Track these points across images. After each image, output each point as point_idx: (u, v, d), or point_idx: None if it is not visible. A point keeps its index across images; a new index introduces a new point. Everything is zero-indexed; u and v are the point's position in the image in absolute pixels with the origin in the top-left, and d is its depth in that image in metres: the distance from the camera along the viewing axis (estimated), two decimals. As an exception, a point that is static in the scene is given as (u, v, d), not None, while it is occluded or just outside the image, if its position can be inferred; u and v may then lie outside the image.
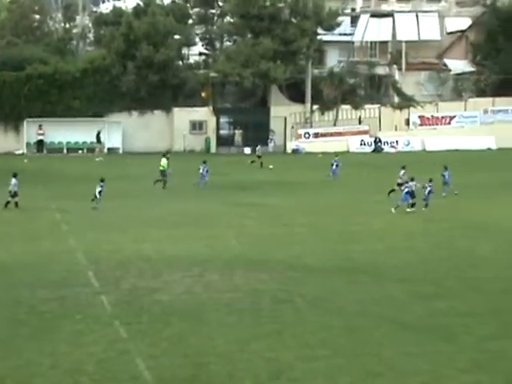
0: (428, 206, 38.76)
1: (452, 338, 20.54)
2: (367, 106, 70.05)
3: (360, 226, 36.10)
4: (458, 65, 73.61)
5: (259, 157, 57.12)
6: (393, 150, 66.80)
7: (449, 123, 70.16)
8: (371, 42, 76.20)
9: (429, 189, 38.86)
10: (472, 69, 73.04)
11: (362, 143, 67.65)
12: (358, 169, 54.49)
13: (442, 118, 70.28)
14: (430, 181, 39.47)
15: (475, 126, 69.81)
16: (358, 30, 75.21)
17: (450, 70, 73.13)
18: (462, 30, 75.44)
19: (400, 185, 40.51)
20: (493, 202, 41.62)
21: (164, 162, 48.21)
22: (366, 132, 68.76)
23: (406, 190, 38.35)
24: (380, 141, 67.08)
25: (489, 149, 66.68)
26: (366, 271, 27.60)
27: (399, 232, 34.83)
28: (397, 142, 67.93)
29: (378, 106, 70.32)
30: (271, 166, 55.88)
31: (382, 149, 66.69)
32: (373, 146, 66.99)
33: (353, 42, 76.12)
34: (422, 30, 73.53)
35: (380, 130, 69.35)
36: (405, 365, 18.67)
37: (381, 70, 73.83)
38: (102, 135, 66.47)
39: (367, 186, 47.43)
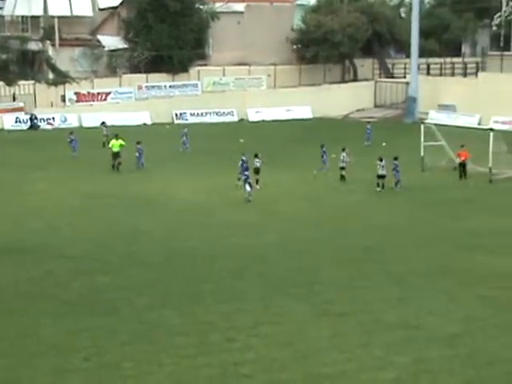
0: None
1: (113, 311, 21.05)
2: (21, 83, 68.20)
3: (18, 206, 35.49)
4: (112, 41, 74.12)
5: None
6: (49, 127, 65.99)
7: (105, 99, 70.55)
8: (22, 17, 74.33)
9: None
10: (125, 45, 73.91)
11: (18, 120, 65.99)
12: (14, 146, 53.29)
13: (98, 94, 70.47)
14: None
15: (130, 102, 70.88)
16: (7, 4, 72.92)
17: (103, 47, 73.46)
18: (113, 7, 76.06)
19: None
20: (148, 178, 42.75)
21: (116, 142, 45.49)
22: (20, 109, 67.09)
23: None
24: (36, 118, 65.91)
25: (144, 124, 68.18)
26: (25, 250, 27.31)
27: (59, 209, 34.71)
28: (53, 118, 67.11)
29: (33, 82, 68.93)
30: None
31: (39, 126, 65.61)
32: (29, 123, 65.68)
33: (3, 17, 73.81)
34: (74, 5, 73.05)
35: (36, 106, 68.04)
36: (67, 342, 18.86)
37: (34, 46, 72.00)
38: None
39: (25, 164, 46.56)
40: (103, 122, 57.86)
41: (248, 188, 36.33)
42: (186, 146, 52.20)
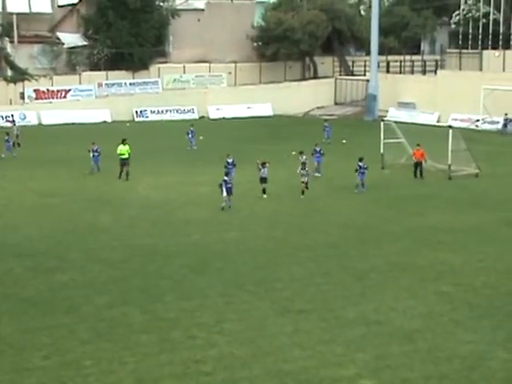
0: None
1: (73, 309, 20.90)
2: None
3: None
4: (71, 38, 73.67)
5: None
6: (9, 124, 65.38)
7: (64, 97, 70.10)
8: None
9: None
10: (85, 42, 73.50)
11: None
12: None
13: (58, 91, 70.01)
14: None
15: (91, 100, 70.53)
16: (-35, 1, 72.33)
17: (63, 44, 72.95)
18: (73, 4, 75.58)
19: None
20: (108, 176, 42.48)
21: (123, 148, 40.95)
22: (-21, 106, 66.52)
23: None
24: (-6, 115, 65.39)
25: (104, 121, 67.81)
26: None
27: (18, 207, 34.38)
28: (12, 115, 66.60)
29: (-8, 79, 68.32)
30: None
31: (-3, 123, 65.09)
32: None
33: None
34: (33, 2, 72.54)
35: (-6, 104, 67.54)
36: (26, 340, 18.69)
37: (-8, 43, 71.66)
38: None
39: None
40: (13, 121, 56.67)
41: (224, 193, 33.73)
42: (192, 143, 51.79)
